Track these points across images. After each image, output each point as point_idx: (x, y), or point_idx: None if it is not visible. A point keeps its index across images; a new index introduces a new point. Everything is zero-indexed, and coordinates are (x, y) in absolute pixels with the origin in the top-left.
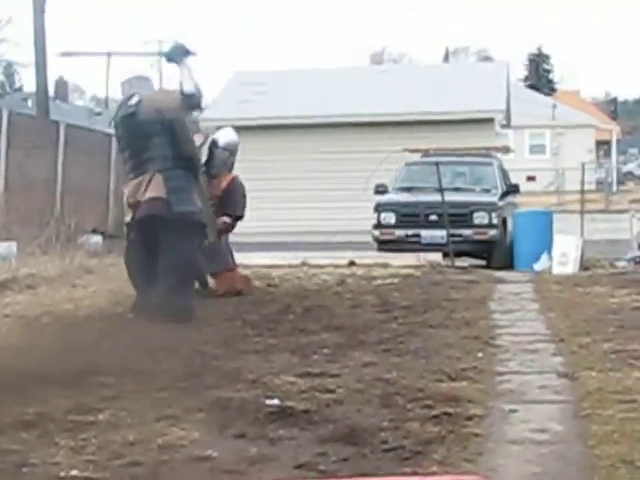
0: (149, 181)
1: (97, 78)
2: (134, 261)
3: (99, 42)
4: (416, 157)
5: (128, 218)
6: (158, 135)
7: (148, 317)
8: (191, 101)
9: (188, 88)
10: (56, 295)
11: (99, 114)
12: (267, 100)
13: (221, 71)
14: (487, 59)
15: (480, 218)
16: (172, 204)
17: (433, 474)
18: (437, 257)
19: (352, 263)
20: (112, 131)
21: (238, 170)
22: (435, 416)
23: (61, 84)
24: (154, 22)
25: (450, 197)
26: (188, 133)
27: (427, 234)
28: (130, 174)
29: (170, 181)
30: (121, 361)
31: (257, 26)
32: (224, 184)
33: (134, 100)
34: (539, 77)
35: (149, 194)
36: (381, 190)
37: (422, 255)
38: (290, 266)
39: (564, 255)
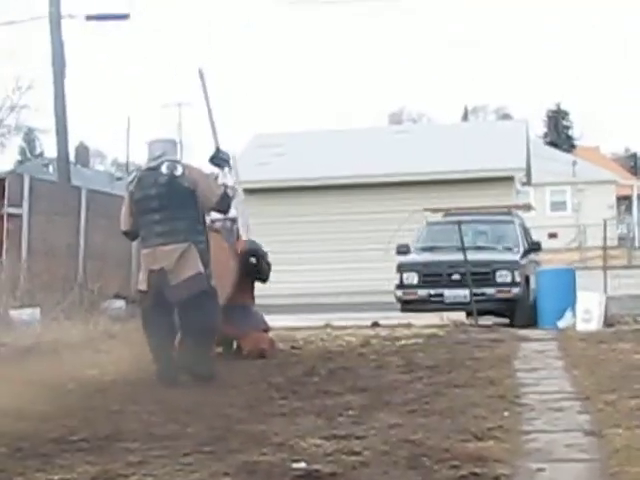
0: (184, 253)
1: (117, 143)
2: (158, 327)
3: (118, 105)
4: (437, 217)
5: (144, 286)
6: (193, 208)
7: (173, 382)
8: (228, 201)
9: (229, 191)
10: (80, 361)
11: (120, 179)
12: (286, 162)
13: (241, 132)
14: (506, 117)
15: (503, 276)
16: (209, 277)
17: None
18: (461, 316)
19: (375, 324)
20: (130, 188)
21: (260, 232)
22: (462, 476)
23: (82, 149)
24: (173, 84)
25: (472, 256)
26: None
27: (450, 293)
28: (158, 239)
29: (203, 255)
30: (146, 426)
31: (256, 30)
32: (240, 249)
33: (179, 171)
34: (558, 133)
35: (189, 271)
36: (403, 250)
37: (445, 314)
38: (314, 328)
39: (588, 312)
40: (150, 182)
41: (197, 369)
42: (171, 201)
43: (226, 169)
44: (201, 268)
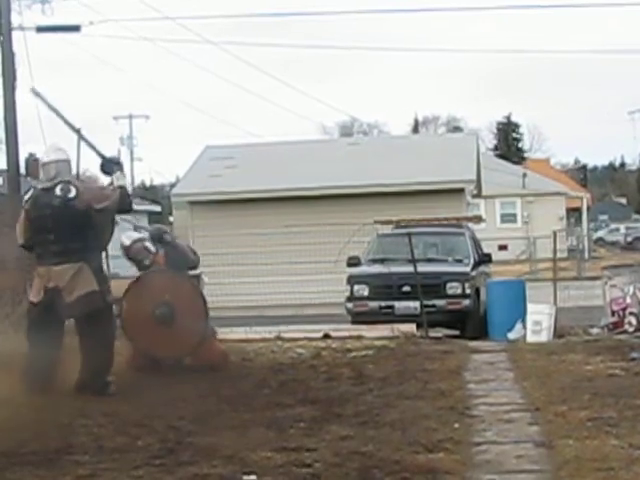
0: (78, 272)
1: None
2: (43, 339)
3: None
4: (388, 229)
5: (36, 299)
6: (88, 227)
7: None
8: (127, 201)
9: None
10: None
11: None
12: (237, 174)
13: (187, 146)
14: (457, 129)
15: (453, 288)
16: (104, 295)
17: None
18: (411, 328)
19: (326, 336)
20: (26, 207)
21: (210, 244)
22: None
23: (32, 161)
24: (124, 98)
25: (423, 268)
26: (110, 227)
27: (400, 305)
28: (53, 259)
29: (97, 273)
30: (96, 439)
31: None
32: (162, 261)
33: (72, 193)
34: (508, 146)
35: (82, 289)
36: (353, 262)
37: (396, 326)
38: (264, 340)
39: (538, 323)
40: (45, 202)
41: (93, 384)
42: (65, 222)
43: (118, 172)
44: (95, 286)
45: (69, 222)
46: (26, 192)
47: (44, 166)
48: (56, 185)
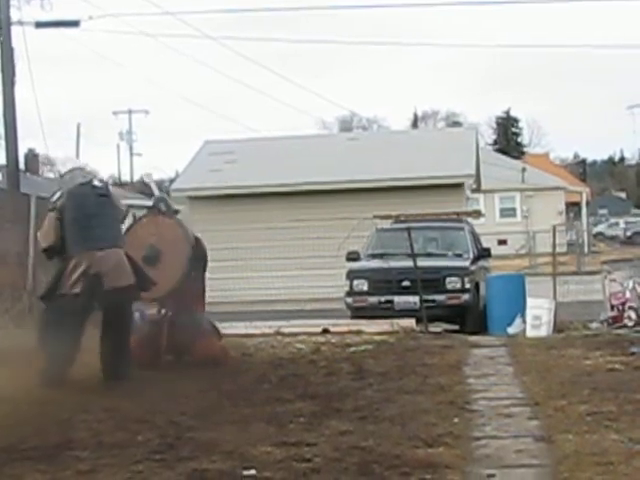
0: (120, 261)
1: (67, 150)
2: (68, 330)
3: (68, 111)
4: (387, 223)
5: (76, 289)
6: (120, 222)
7: (60, 383)
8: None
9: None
10: (30, 369)
11: None
12: (237, 169)
13: (187, 141)
14: (456, 124)
15: (453, 283)
16: (138, 290)
17: None
18: (411, 323)
19: (326, 331)
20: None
21: (209, 239)
22: None
23: (31, 157)
24: (123, 93)
25: (422, 263)
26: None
27: (400, 300)
28: (96, 243)
29: (130, 260)
30: (96, 434)
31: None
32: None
33: (110, 187)
34: (508, 141)
35: (125, 280)
36: (353, 257)
37: (396, 321)
38: (264, 335)
39: (537, 318)
40: (84, 192)
41: (118, 373)
42: (106, 209)
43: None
44: (133, 280)
45: (109, 210)
46: (52, 195)
47: (72, 172)
48: (91, 180)
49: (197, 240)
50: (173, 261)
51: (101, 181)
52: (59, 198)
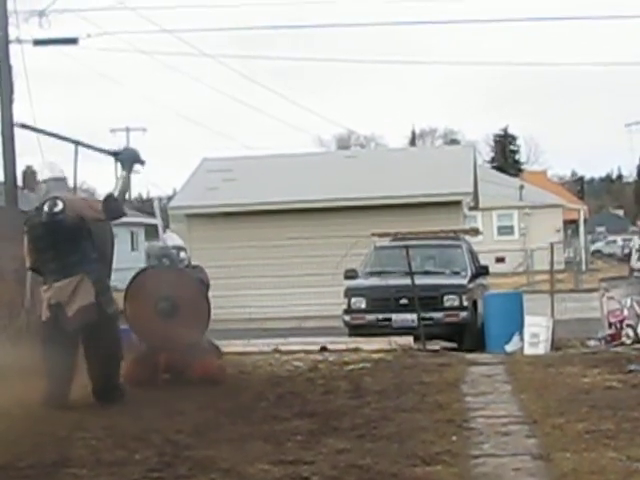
0: (78, 285)
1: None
2: (57, 352)
3: (68, 129)
4: (385, 241)
5: (44, 317)
6: (82, 238)
7: (63, 403)
8: (113, 208)
9: (118, 193)
10: (27, 387)
11: None
12: (235, 187)
13: (184, 159)
14: (454, 142)
15: (450, 301)
16: (103, 305)
17: None
18: (408, 341)
19: (324, 349)
20: (25, 228)
21: (207, 256)
22: None
23: (29, 174)
24: (121, 110)
25: (420, 280)
26: (107, 235)
27: (398, 318)
28: (53, 275)
29: (97, 283)
30: (94, 452)
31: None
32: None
33: (59, 207)
34: (505, 158)
35: (81, 301)
36: (351, 275)
37: (393, 339)
38: (262, 353)
39: (535, 336)
40: (37, 222)
41: (104, 394)
42: (58, 237)
43: (130, 168)
44: (92, 298)
45: (62, 237)
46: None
47: (37, 186)
48: (45, 202)
49: (200, 269)
50: (192, 316)
51: (54, 199)
52: (25, 222)
